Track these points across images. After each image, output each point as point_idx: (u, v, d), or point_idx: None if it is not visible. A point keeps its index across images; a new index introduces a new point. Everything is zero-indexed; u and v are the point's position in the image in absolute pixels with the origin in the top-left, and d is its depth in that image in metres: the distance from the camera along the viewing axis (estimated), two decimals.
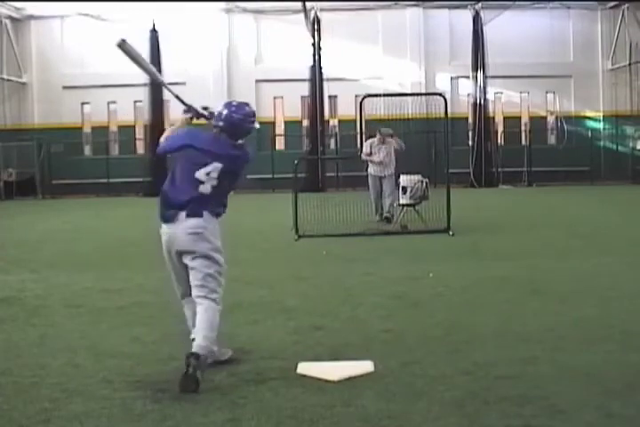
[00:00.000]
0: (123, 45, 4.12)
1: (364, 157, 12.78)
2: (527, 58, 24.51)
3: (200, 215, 4.04)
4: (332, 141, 25.59)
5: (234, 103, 4.24)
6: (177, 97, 4.33)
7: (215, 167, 4.05)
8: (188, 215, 4.03)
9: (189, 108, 4.24)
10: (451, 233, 10.62)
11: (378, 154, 12.57)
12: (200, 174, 4.04)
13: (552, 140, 26.37)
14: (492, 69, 24.37)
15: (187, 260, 4.07)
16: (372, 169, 12.77)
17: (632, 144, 25.55)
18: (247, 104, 4.25)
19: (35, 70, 25.53)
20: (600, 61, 25.71)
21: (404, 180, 11.63)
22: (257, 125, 4.21)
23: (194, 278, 4.06)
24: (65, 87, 25.06)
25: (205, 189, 4.06)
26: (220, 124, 4.11)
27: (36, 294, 6.76)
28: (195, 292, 4.06)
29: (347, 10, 24.84)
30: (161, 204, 4.13)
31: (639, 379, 3.89)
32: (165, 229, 4.10)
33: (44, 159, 24.29)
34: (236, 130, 4.12)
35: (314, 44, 23.84)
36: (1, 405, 3.70)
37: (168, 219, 4.07)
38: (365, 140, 13.08)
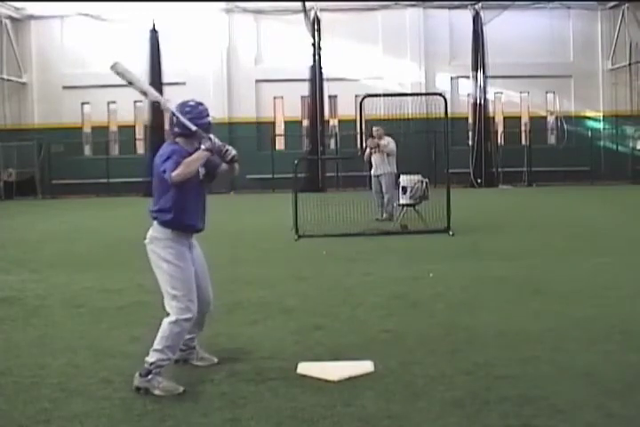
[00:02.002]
0: (115, 67, 3.97)
1: (366, 157, 12.94)
2: (527, 58, 24.51)
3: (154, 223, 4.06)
4: (332, 141, 25.59)
5: (183, 104, 4.06)
6: (182, 122, 3.99)
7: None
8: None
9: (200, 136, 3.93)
10: (451, 233, 10.62)
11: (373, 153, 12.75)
12: None
13: (552, 140, 26.37)
14: (492, 69, 24.37)
15: None
16: (371, 169, 12.97)
17: (632, 144, 25.55)
18: (199, 104, 4.08)
19: (35, 70, 25.52)
20: (600, 61, 25.70)
21: (404, 180, 11.64)
22: (210, 119, 4.05)
23: None
24: (65, 87, 25.06)
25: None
26: (175, 129, 4.01)
27: (36, 293, 6.76)
28: None
29: (347, 10, 24.84)
30: None
31: (639, 379, 3.89)
32: None
33: (44, 159, 24.30)
34: (187, 131, 3.96)
35: (314, 44, 23.83)
36: (1, 405, 3.71)
37: None
38: (366, 141, 13.13)
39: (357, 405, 3.57)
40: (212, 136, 3.90)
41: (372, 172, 12.95)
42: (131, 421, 3.46)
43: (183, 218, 3.98)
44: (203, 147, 3.87)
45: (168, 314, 3.94)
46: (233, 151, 3.98)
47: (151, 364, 3.85)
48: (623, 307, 5.70)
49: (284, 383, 3.92)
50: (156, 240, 4.00)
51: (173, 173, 3.78)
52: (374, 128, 12.97)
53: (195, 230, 4.12)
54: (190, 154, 3.89)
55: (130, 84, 4.01)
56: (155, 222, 4.03)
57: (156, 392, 3.80)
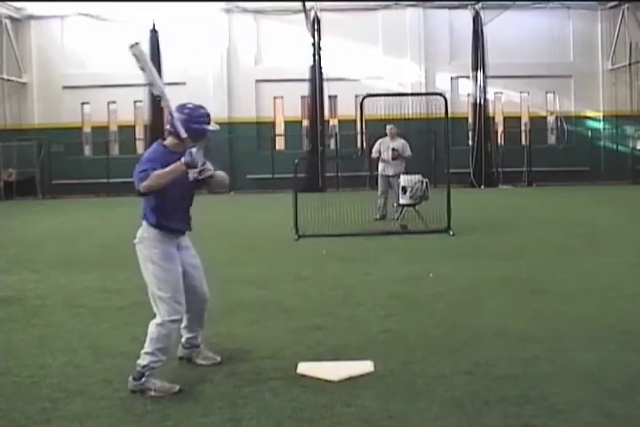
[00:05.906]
0: (134, 48, 3.79)
1: (374, 154, 12.80)
2: (527, 58, 24.49)
3: (142, 223, 4.05)
4: (332, 141, 25.58)
5: (183, 106, 4.00)
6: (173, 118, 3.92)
7: None
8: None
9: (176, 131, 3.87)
10: (451, 233, 10.62)
11: (387, 152, 12.63)
12: None
13: (552, 140, 26.34)
14: (492, 69, 24.35)
15: None
16: (380, 168, 12.84)
17: (632, 144, 25.53)
18: (200, 107, 4.02)
19: (35, 70, 25.50)
20: (600, 61, 25.69)
21: (404, 180, 11.65)
22: (213, 127, 3.97)
23: None
24: (65, 87, 25.04)
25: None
26: (169, 127, 3.94)
27: (36, 293, 6.77)
28: None
29: (347, 10, 24.82)
30: None
31: (639, 379, 3.89)
32: None
33: (44, 159, 24.26)
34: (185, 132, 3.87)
35: (314, 44, 23.81)
36: (1, 405, 3.71)
37: None
38: (366, 140, 13.09)
39: (357, 405, 3.57)
40: (193, 150, 3.73)
41: (384, 172, 12.78)
42: (131, 421, 3.46)
43: (165, 220, 3.98)
44: (182, 159, 3.73)
45: (154, 316, 3.94)
46: (209, 172, 3.82)
47: (143, 366, 3.84)
48: (623, 307, 5.70)
49: (284, 383, 3.92)
50: (145, 240, 4.02)
51: (141, 185, 3.86)
52: (388, 126, 12.85)
53: (180, 232, 4.11)
54: (173, 161, 3.78)
55: (141, 69, 3.85)
56: (143, 222, 4.05)
57: (152, 394, 3.80)
